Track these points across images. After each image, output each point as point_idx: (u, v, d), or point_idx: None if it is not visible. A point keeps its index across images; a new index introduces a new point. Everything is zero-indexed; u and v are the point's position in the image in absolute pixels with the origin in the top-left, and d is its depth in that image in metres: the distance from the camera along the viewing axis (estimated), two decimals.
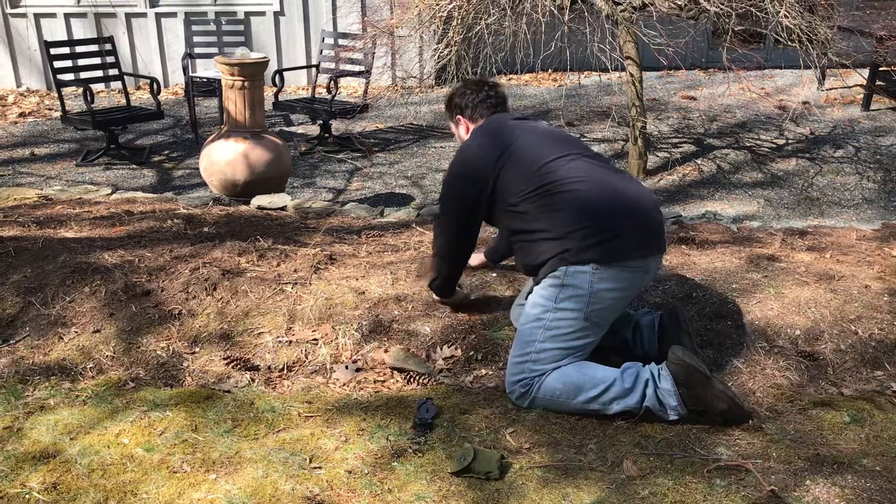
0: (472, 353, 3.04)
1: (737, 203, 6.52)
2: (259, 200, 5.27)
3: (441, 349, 3.06)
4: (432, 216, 5.05)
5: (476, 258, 3.52)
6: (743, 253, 3.93)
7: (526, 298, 2.89)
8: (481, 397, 2.81)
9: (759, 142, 8.05)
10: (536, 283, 2.71)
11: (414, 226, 4.76)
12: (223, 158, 5.52)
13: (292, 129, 8.46)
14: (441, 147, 7.82)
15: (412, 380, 2.93)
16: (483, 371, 2.96)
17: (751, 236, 4.61)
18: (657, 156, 7.54)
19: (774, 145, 7.95)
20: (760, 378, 2.89)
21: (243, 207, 5.23)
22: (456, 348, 3.06)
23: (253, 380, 2.96)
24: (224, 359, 3.04)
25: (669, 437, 2.54)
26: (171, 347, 3.15)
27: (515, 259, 2.92)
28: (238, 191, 5.53)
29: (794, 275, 3.53)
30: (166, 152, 7.65)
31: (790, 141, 8.09)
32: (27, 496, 2.28)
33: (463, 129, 3.00)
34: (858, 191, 6.78)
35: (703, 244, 4.17)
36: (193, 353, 3.13)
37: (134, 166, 7.22)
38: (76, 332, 3.22)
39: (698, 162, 7.46)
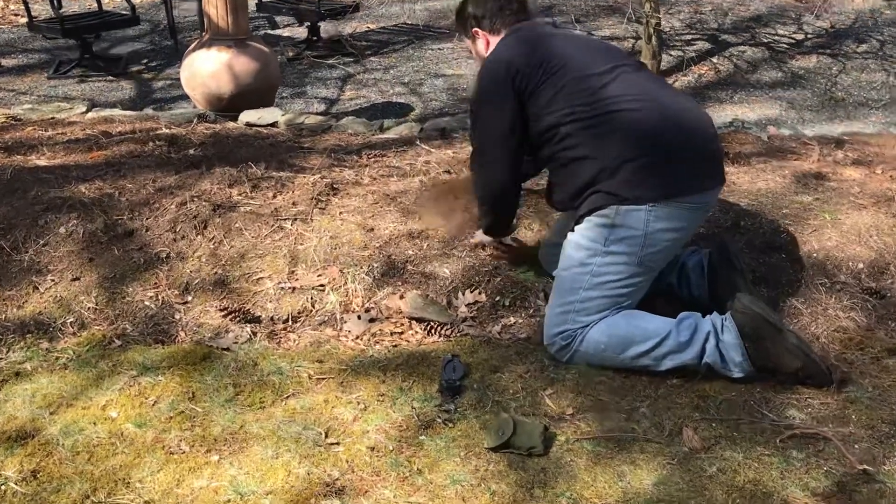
0: (497, 297, 2.71)
1: (758, 106, 6.11)
2: (247, 116, 4.84)
3: (463, 294, 2.73)
4: (437, 130, 4.64)
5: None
6: (785, 170, 3.57)
7: (560, 237, 2.54)
8: (513, 351, 2.50)
9: (776, 37, 7.56)
10: (578, 222, 2.35)
11: (418, 143, 4.36)
12: (206, 70, 5.05)
13: (277, 32, 7.90)
14: (438, 49, 7.31)
15: (433, 331, 2.61)
16: (512, 319, 2.64)
17: (784, 147, 4.24)
18: (670, 55, 7.07)
19: (793, 40, 7.47)
20: (823, 321, 2.58)
21: (230, 124, 4.81)
22: (480, 293, 2.74)
23: (254, 333, 2.64)
24: (221, 310, 2.71)
25: (731, 398, 2.24)
26: (159, 297, 2.81)
27: (549, 192, 2.55)
28: (224, 105, 5.09)
29: (849, 196, 3.19)
30: (144, 61, 7.13)
31: (809, 35, 7.60)
32: (3, 487, 1.99)
33: (482, 44, 2.53)
34: (885, 90, 6.37)
35: (738, 159, 3.81)
36: (185, 303, 2.79)
37: (110, 78, 6.71)
38: (53, 281, 2.87)
39: (714, 61, 7.00)
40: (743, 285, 2.48)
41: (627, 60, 2.37)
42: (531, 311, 2.66)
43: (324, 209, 3.16)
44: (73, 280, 2.87)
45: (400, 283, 2.80)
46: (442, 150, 4.25)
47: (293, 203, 3.21)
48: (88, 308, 2.77)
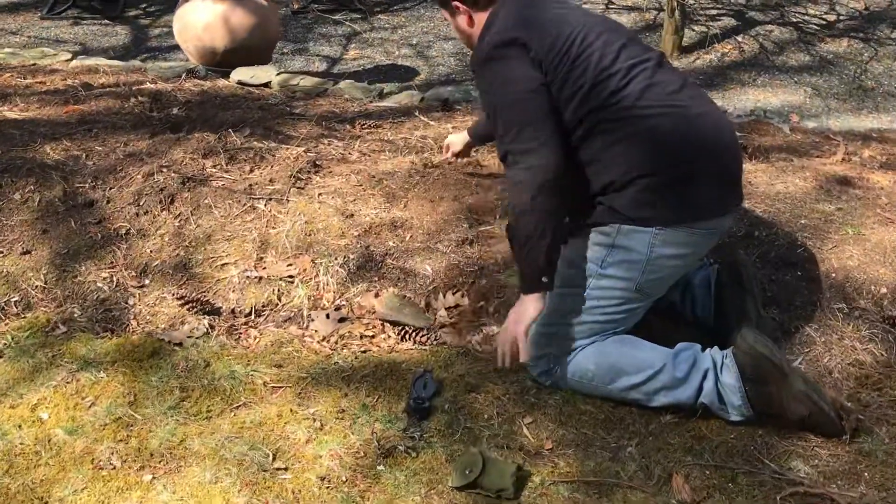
0: (481, 303, 2.47)
1: (781, 91, 5.78)
2: (240, 74, 4.57)
3: (444, 296, 2.49)
4: (438, 101, 4.36)
5: (459, 138, 2.95)
6: (807, 171, 3.29)
7: None
8: (492, 367, 2.26)
9: (806, 17, 7.18)
10: (574, 234, 2.09)
11: (417, 114, 4.09)
12: (199, 22, 4.76)
13: None
14: None
15: (407, 336, 2.37)
16: (494, 328, 2.40)
17: (806, 142, 3.96)
18: (693, 30, 6.71)
19: (824, 21, 7.09)
20: (838, 352, 2.33)
21: (221, 82, 4.54)
22: (462, 295, 2.49)
23: (212, 327, 2.41)
24: (178, 298, 2.47)
25: (730, 442, 2.00)
26: (114, 278, 2.58)
27: None
28: (217, 60, 4.81)
29: (875, 208, 2.91)
30: (143, 6, 6.82)
31: (842, 17, 7.21)
32: None
33: (463, 20, 2.12)
34: None
35: (757, 154, 3.53)
36: (142, 287, 2.56)
37: (106, 21, 6.42)
38: (1, 253, 2.64)
39: (739, 39, 6.64)
40: (753, 311, 2.23)
41: (649, 54, 2.05)
42: None
43: (302, 189, 2.91)
44: (24, 254, 2.65)
45: (376, 279, 2.56)
46: (441, 124, 3.98)
47: (270, 180, 2.95)
48: (36, 287, 2.54)
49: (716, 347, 2.08)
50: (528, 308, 1.98)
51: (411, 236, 2.70)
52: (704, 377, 2.00)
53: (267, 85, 4.53)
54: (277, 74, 4.60)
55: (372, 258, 2.61)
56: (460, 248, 2.65)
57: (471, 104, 4.34)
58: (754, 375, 1.94)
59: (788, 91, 5.80)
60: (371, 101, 4.40)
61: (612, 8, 7.09)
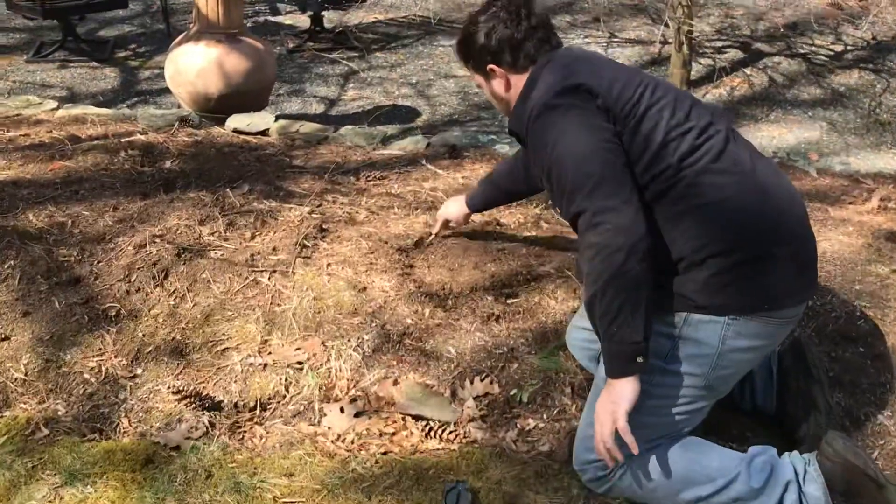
0: (514, 390, 2.22)
1: (796, 126, 5.59)
2: (236, 122, 4.33)
3: (472, 383, 2.24)
4: (445, 147, 4.14)
5: (455, 208, 2.64)
6: (849, 225, 3.07)
7: (583, 318, 2.05)
8: (532, 471, 2.01)
9: (813, 48, 7.02)
10: None
11: (424, 162, 3.86)
12: (193, 67, 4.54)
13: (279, 18, 7.36)
14: (449, 46, 6.76)
15: (432, 433, 2.12)
16: (531, 421, 2.15)
17: (836, 187, 3.77)
18: (699, 62, 6.53)
19: (831, 52, 6.92)
20: None
21: (216, 130, 4.30)
22: (492, 382, 2.24)
23: (212, 425, 2.15)
24: (175, 391, 2.21)
25: None
26: (103, 368, 2.32)
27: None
28: (211, 106, 4.58)
29: None
30: (133, 46, 6.60)
31: (849, 48, 7.05)
32: None
33: (500, 85, 1.90)
34: None
35: None
36: (134, 377, 2.30)
37: (94, 64, 6.19)
38: None
39: (747, 72, 6.46)
40: (822, 400, 1.99)
41: (718, 116, 1.83)
42: (555, 411, 2.17)
43: (309, 258, 2.66)
44: (2, 340, 2.39)
45: (394, 364, 2.31)
46: (450, 174, 3.75)
47: (273, 248, 2.71)
48: (16, 379, 2.28)
49: (795, 453, 1.83)
50: (625, 391, 1.69)
51: (430, 312, 2.45)
52: (786, 489, 1.75)
53: (265, 133, 4.30)
54: (275, 121, 4.37)
55: (388, 339, 2.36)
56: (486, 325, 2.40)
57: (478, 150, 4.12)
58: (845, 487, 1.70)
59: (804, 126, 5.61)
60: (374, 149, 4.17)
61: (616, 41, 6.92)
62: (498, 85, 1.92)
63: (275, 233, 2.81)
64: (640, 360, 1.67)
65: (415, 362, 2.30)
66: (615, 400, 1.69)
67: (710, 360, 1.74)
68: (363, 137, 4.28)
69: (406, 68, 6.31)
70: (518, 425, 2.14)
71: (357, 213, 3.09)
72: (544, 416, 2.16)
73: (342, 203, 3.22)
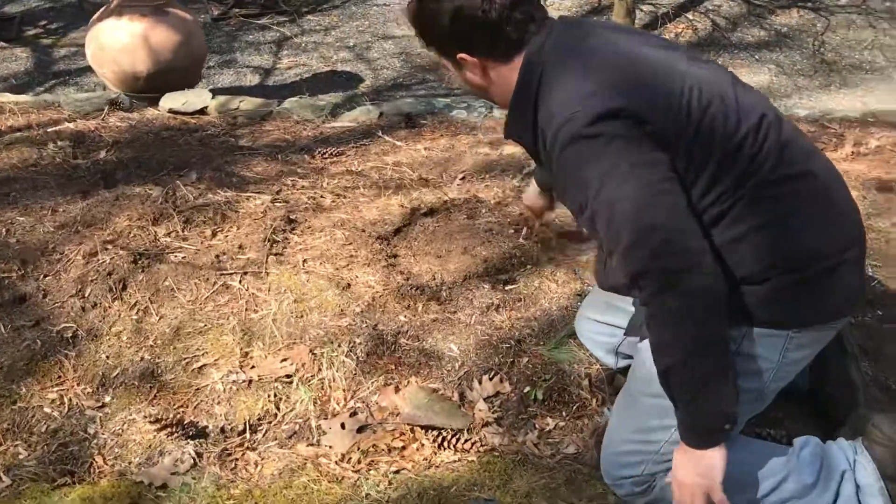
0: (527, 388, 2.04)
1: (745, 71, 5.50)
2: (170, 101, 4.01)
3: (480, 383, 2.06)
4: (400, 116, 3.91)
5: (537, 194, 2.07)
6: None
7: (606, 315, 1.90)
8: (561, 477, 1.84)
9: None
10: None
11: (380, 134, 3.64)
12: (117, 44, 4.18)
13: None
14: (385, 5, 6.47)
15: (445, 443, 1.93)
16: (550, 421, 1.98)
17: (808, 133, 3.66)
18: (641, 9, 6.38)
19: None
20: None
21: (150, 112, 3.98)
22: (502, 380, 2.06)
23: (199, 455, 1.92)
24: (152, 420, 1.97)
25: None
26: (66, 399, 2.06)
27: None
28: (140, 86, 4.23)
29: None
30: (43, 23, 6.10)
31: None
32: None
33: (477, 75, 1.58)
34: (878, 49, 5.83)
35: None
36: (102, 407, 2.05)
37: (2, 44, 5.70)
38: None
39: (690, 17, 6.35)
40: (856, 374, 1.87)
41: (760, 96, 1.57)
42: (574, 407, 2.01)
43: (281, 255, 2.43)
44: None
45: (393, 368, 2.11)
46: (411, 145, 3.54)
47: (240, 246, 2.46)
48: None
49: (841, 439, 1.71)
50: (715, 461, 1.47)
51: (423, 307, 2.25)
52: (841, 480, 1.62)
53: (203, 111, 4.00)
54: (213, 98, 4.06)
55: (382, 340, 2.16)
56: (486, 317, 2.22)
57: (435, 117, 3.91)
58: None
59: (753, 70, 5.53)
60: (324, 122, 3.92)
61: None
62: (474, 75, 1.60)
63: (238, 228, 2.56)
64: (728, 426, 1.47)
65: (415, 364, 2.11)
66: (704, 473, 1.48)
67: (768, 374, 1.58)
68: (310, 110, 4.02)
69: (341, 31, 6.00)
70: (537, 426, 1.97)
71: (322, 197, 2.86)
72: (563, 414, 1.99)
73: (303, 187, 2.97)
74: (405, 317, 2.22)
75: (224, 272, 2.33)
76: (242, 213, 2.65)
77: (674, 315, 1.40)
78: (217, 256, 2.41)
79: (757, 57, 5.74)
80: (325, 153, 3.43)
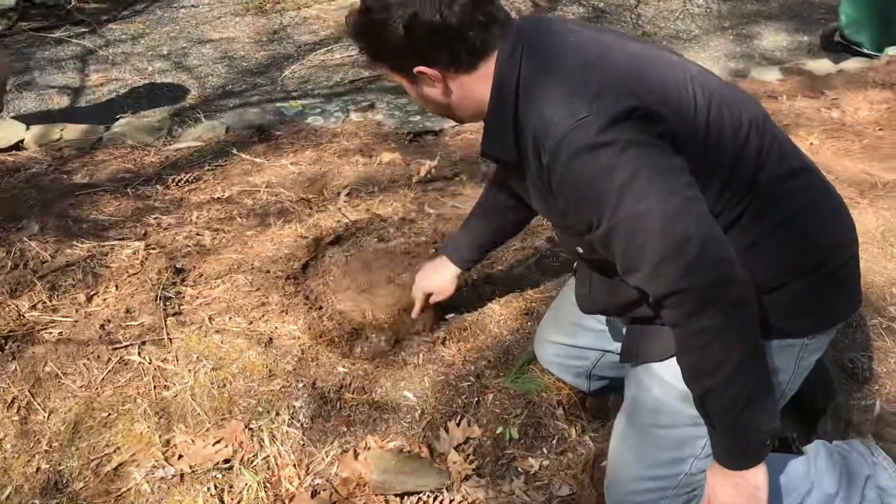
0: (499, 428, 1.85)
1: None
2: None
3: (447, 431, 1.84)
4: (250, 129, 3.58)
5: (442, 277, 1.95)
6: None
7: (573, 336, 1.76)
8: None
9: None
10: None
11: (235, 152, 3.32)
12: None
13: None
14: (193, 6, 5.98)
15: None
16: (532, 462, 1.80)
17: None
18: None
19: None
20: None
21: None
22: (469, 423, 1.86)
23: None
24: None
25: None
26: None
27: (621, 304, 1.53)
28: None
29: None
30: None
31: None
32: None
33: (437, 90, 1.40)
34: (689, 18, 6.07)
35: None
36: None
37: None
38: None
39: None
40: (834, 373, 1.84)
41: (746, 94, 1.47)
42: (553, 441, 1.84)
43: (180, 314, 2.09)
44: None
45: (345, 429, 1.85)
46: (273, 161, 3.23)
47: (127, 310, 2.09)
48: None
49: (854, 442, 1.65)
50: (758, 480, 1.36)
51: (362, 351, 2.01)
52: (865, 485, 1.56)
53: (18, 146, 3.47)
54: (27, 129, 3.54)
55: (325, 398, 1.89)
56: (434, 353, 2.00)
57: (289, 127, 3.61)
58: None
59: None
60: (165, 144, 3.52)
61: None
62: (433, 90, 1.41)
63: (117, 288, 2.19)
64: (769, 443, 1.35)
65: (368, 421, 1.86)
66: (751, 494, 1.36)
67: (783, 385, 1.48)
68: (146, 132, 3.59)
69: (151, 39, 5.46)
70: (520, 469, 1.79)
71: (200, 235, 2.52)
72: (545, 451, 1.82)
73: (171, 225, 2.62)
74: (344, 367, 1.96)
75: (117, 345, 1.97)
76: (116, 269, 2.26)
77: (714, 334, 1.26)
78: (102, 327, 2.03)
79: None
80: (179, 181, 3.06)
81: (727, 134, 1.33)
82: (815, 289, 1.41)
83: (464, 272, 1.97)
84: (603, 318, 1.78)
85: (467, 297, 2.14)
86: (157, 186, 3.03)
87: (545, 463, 1.80)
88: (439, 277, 1.94)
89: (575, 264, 1.87)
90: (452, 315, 2.09)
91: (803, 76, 4.12)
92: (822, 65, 4.34)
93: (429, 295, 1.98)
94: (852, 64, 4.34)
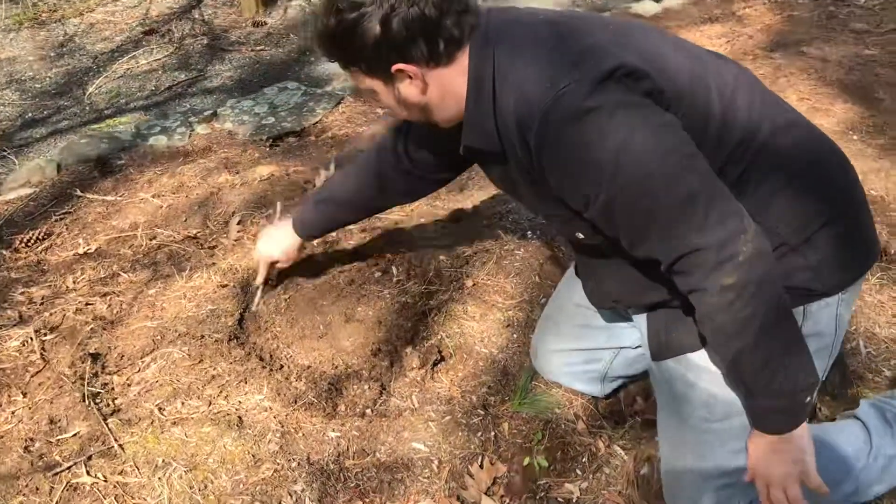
0: (525, 459, 1.70)
1: None
2: None
3: (472, 476, 1.67)
4: (88, 164, 3.15)
5: (280, 238, 1.92)
6: None
7: (579, 341, 1.66)
8: None
9: None
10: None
11: (80, 193, 2.92)
12: None
13: None
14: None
15: None
16: (569, 487, 1.67)
17: None
18: None
19: None
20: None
21: None
22: (493, 463, 1.69)
23: None
24: None
25: None
26: None
27: (634, 289, 1.47)
28: None
29: None
30: None
31: None
32: None
33: (415, 89, 1.31)
34: None
35: None
36: None
37: None
38: None
39: None
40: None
41: (727, 58, 1.43)
42: (584, 460, 1.71)
43: (119, 411, 1.75)
44: None
45: (360, 502, 1.62)
46: (130, 197, 2.87)
47: (50, 421, 1.73)
48: None
49: (879, 397, 1.65)
50: (803, 443, 1.30)
51: (348, 407, 1.77)
52: None
53: None
54: None
55: (327, 473, 1.65)
56: (429, 392, 1.81)
57: (134, 153, 3.20)
58: None
59: None
60: None
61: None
62: (410, 89, 1.31)
63: (24, 395, 1.80)
64: (808, 399, 1.29)
65: (382, 487, 1.65)
66: (796, 458, 1.30)
67: (829, 350, 1.44)
68: None
69: None
70: (560, 499, 1.65)
71: (92, 305, 2.15)
72: (579, 472, 1.69)
73: (47, 298, 2.22)
74: (334, 430, 1.72)
75: (56, 469, 1.61)
76: (11, 370, 1.87)
77: (735, 293, 1.20)
78: (26, 449, 1.66)
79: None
80: (26, 240, 2.62)
81: (713, 95, 1.29)
82: (840, 238, 1.37)
83: (304, 242, 1.96)
84: (611, 314, 1.67)
85: (443, 318, 1.95)
86: (3, 252, 2.57)
87: (584, 486, 1.67)
88: (284, 244, 1.91)
89: (573, 264, 1.75)
90: (431, 341, 1.90)
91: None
92: (647, 6, 4.44)
93: (274, 263, 1.95)
94: (673, 2, 4.46)
